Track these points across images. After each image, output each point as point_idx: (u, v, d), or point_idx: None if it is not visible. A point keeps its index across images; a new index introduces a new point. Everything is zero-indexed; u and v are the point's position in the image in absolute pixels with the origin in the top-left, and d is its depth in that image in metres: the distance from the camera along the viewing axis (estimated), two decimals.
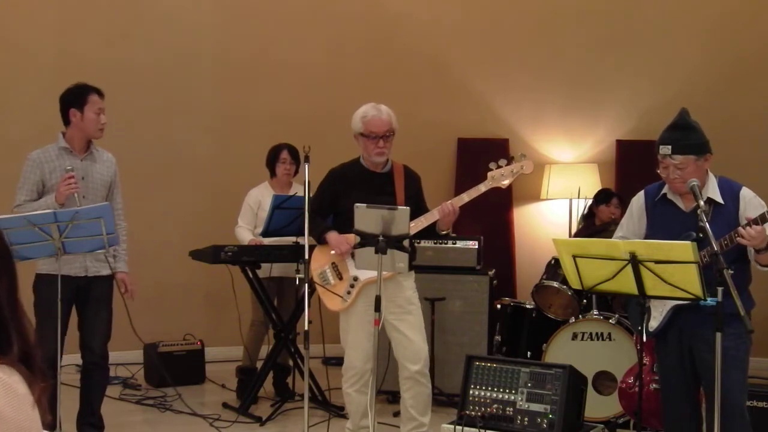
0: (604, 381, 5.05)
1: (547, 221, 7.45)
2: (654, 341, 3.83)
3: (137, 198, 6.54)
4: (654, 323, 3.68)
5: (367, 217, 3.89)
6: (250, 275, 5.51)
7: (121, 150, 6.25)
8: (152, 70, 6.92)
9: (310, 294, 4.29)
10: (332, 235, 4.31)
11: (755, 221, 3.36)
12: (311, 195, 4.29)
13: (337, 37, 7.35)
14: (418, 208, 4.31)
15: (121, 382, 6.20)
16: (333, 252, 4.31)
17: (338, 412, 5.30)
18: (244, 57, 7.19)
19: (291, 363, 5.77)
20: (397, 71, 7.34)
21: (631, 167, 7.02)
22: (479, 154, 6.71)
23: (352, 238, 4.06)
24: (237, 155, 7.02)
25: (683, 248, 3.26)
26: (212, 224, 6.53)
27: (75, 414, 4.62)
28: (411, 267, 4.31)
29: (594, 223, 6.24)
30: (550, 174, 7.26)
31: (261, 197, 5.77)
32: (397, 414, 5.15)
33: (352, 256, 4.17)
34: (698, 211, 3.39)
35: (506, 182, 4.29)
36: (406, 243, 3.92)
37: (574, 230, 6.88)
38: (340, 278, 4.36)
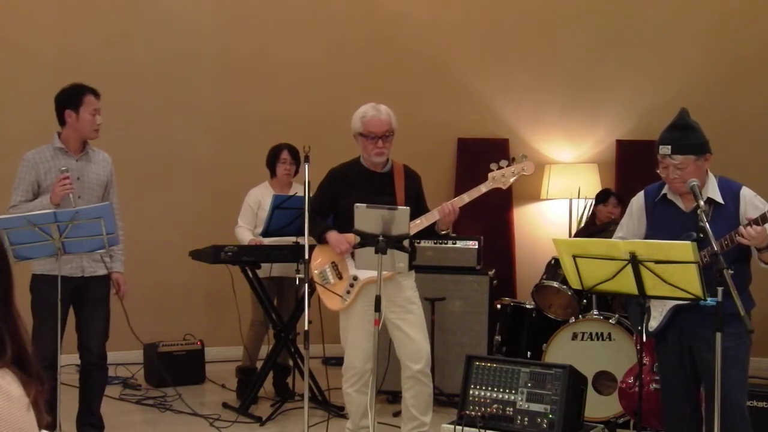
0: (604, 381, 5.05)
1: (547, 221, 7.45)
2: (654, 341, 3.83)
3: (137, 198, 6.55)
4: (654, 323, 3.68)
5: (367, 217, 3.89)
6: (250, 275, 5.51)
7: (121, 150, 6.26)
8: (152, 70, 6.92)
9: (310, 294, 4.29)
10: (332, 235, 4.32)
11: (756, 221, 3.36)
12: (311, 195, 4.29)
13: (337, 37, 7.35)
14: (418, 208, 4.31)
15: (121, 382, 6.20)
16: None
17: (338, 412, 5.30)
18: (244, 57, 7.19)
19: (291, 363, 5.77)
20: (397, 71, 7.34)
21: (631, 167, 7.02)
22: (479, 154, 6.72)
23: (352, 237, 4.07)
24: (237, 155, 7.02)
25: (683, 248, 3.26)
26: (212, 224, 6.53)
27: (75, 414, 4.62)
28: (411, 267, 4.31)
29: (594, 223, 6.25)
30: (550, 174, 7.26)
31: (261, 197, 5.77)
32: (397, 414, 5.15)
33: (352, 255, 4.18)
34: (698, 211, 3.39)
35: (507, 183, 4.29)
36: (406, 243, 3.92)
37: (574, 230, 6.89)
38: (340, 278, 4.36)
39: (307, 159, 4.26)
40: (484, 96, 7.46)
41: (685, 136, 3.56)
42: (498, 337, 5.71)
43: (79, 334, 4.56)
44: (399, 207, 3.97)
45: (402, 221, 3.88)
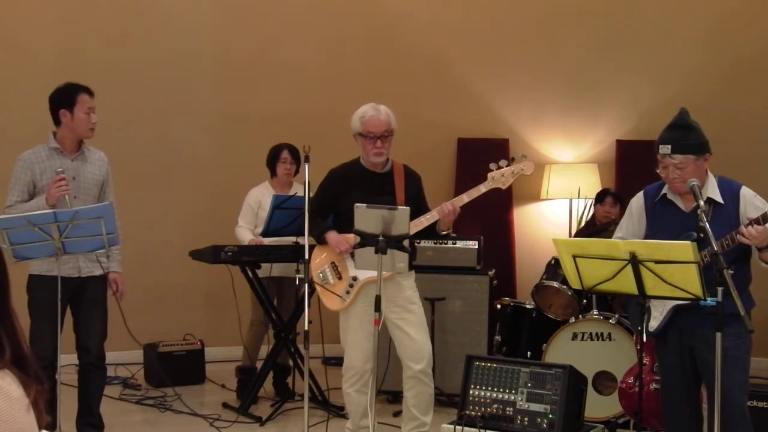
0: (604, 381, 5.05)
1: (547, 221, 7.45)
2: (654, 341, 3.83)
3: (137, 198, 6.55)
4: (654, 323, 3.68)
5: (367, 217, 3.89)
6: (250, 275, 5.51)
7: (121, 150, 6.28)
8: (152, 70, 6.92)
9: (310, 294, 4.29)
10: (332, 235, 4.32)
11: (757, 221, 3.36)
12: (311, 195, 4.29)
13: (337, 37, 7.35)
14: (418, 208, 4.31)
15: (121, 382, 6.20)
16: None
17: (338, 412, 5.30)
18: (244, 57, 7.19)
19: (291, 363, 5.77)
20: (397, 71, 7.34)
21: (631, 167, 7.02)
22: (479, 154, 6.72)
23: (352, 237, 4.06)
24: (237, 155, 7.02)
25: (683, 248, 3.26)
26: (212, 224, 6.53)
27: (74, 414, 4.62)
28: (411, 267, 4.31)
29: (594, 223, 6.25)
30: (550, 174, 7.26)
31: (261, 197, 5.77)
32: (397, 414, 5.15)
33: (352, 255, 4.18)
34: (698, 211, 3.39)
35: (506, 183, 4.29)
36: (406, 243, 3.92)
37: (574, 230, 6.90)
38: (340, 278, 4.36)
39: (307, 159, 4.26)
40: (484, 96, 7.46)
41: (685, 135, 3.55)
42: (498, 337, 5.71)
43: (77, 335, 4.55)
44: (399, 207, 3.97)
45: (402, 221, 3.88)
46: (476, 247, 5.77)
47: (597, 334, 5.10)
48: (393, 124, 4.36)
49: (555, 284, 5.53)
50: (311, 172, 4.24)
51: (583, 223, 6.77)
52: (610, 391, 4.98)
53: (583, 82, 7.39)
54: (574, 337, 5.14)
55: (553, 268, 5.61)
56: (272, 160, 5.85)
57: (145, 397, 5.89)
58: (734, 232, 3.41)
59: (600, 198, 6.28)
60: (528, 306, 5.73)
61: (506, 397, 3.97)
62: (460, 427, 3.89)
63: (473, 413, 3.96)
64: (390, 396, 5.66)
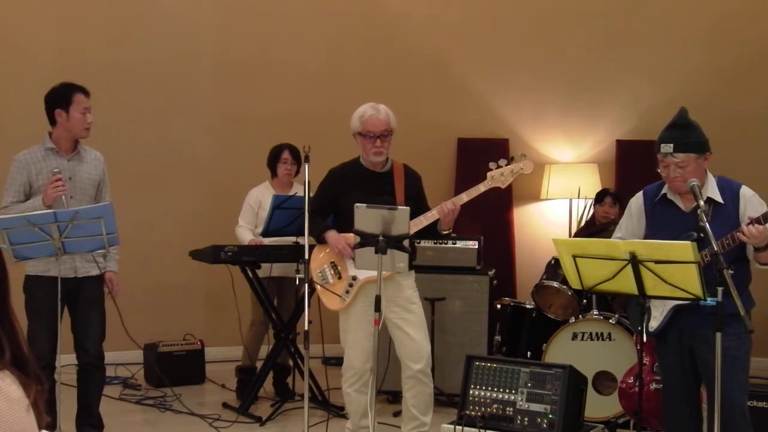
0: (604, 381, 5.05)
1: (547, 221, 7.45)
2: (654, 341, 3.83)
3: (137, 198, 6.56)
4: (654, 323, 3.68)
5: (367, 217, 3.89)
6: (250, 275, 5.51)
7: (121, 150, 6.29)
8: (152, 70, 6.92)
9: (310, 294, 4.29)
10: (331, 235, 4.32)
11: (757, 220, 3.36)
12: (311, 195, 4.29)
13: (337, 37, 7.35)
14: (418, 208, 4.31)
15: (121, 382, 6.20)
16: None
17: (338, 412, 5.30)
18: (244, 57, 7.19)
19: (291, 363, 5.77)
20: (397, 71, 7.34)
21: (631, 167, 7.02)
22: (479, 154, 6.71)
23: (352, 237, 4.06)
24: (237, 155, 7.02)
25: (683, 248, 3.26)
26: (212, 224, 6.53)
27: (74, 414, 4.62)
28: (411, 267, 4.31)
29: (594, 223, 6.25)
30: (550, 174, 7.26)
31: (262, 197, 5.77)
32: (396, 414, 5.15)
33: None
34: (698, 211, 3.39)
35: (506, 182, 4.29)
36: (406, 243, 3.92)
37: (574, 230, 6.90)
38: (339, 278, 4.36)
39: (307, 159, 4.25)
40: (484, 96, 7.46)
41: (686, 134, 3.56)
42: (498, 337, 5.71)
43: (75, 336, 4.53)
44: (399, 207, 3.97)
45: (402, 221, 3.87)
46: (476, 247, 5.77)
47: (597, 334, 5.09)
48: (392, 123, 4.35)
49: (555, 284, 5.53)
50: (311, 172, 4.24)
51: (582, 223, 6.77)
52: (610, 391, 4.98)
53: (583, 82, 7.39)
54: (574, 337, 5.14)
55: (553, 268, 5.61)
56: (273, 160, 5.84)
57: (145, 397, 5.89)
58: (735, 231, 3.41)
59: (599, 198, 6.28)
60: (528, 306, 5.73)
61: (506, 397, 3.97)
62: (460, 427, 3.88)
63: (473, 413, 3.96)
64: (390, 396, 5.66)
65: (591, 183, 7.05)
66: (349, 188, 4.31)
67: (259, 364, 5.81)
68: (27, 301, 4.36)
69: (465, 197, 4.26)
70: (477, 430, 3.87)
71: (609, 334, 5.06)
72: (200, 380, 6.38)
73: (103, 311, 4.57)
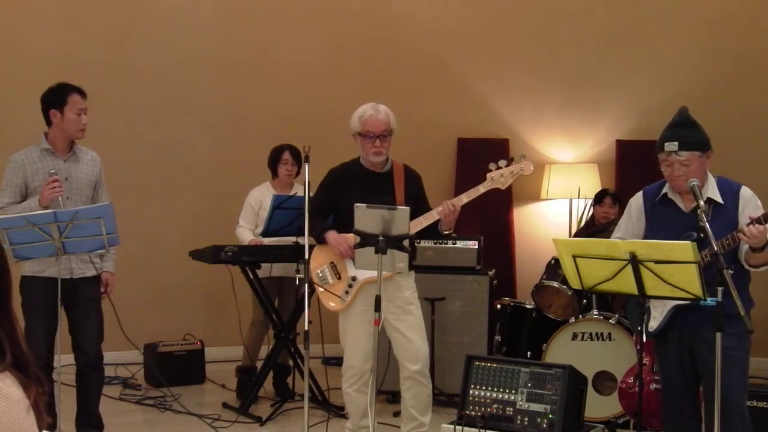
0: (604, 381, 5.05)
1: (547, 221, 7.45)
2: (654, 341, 3.83)
3: (137, 198, 6.56)
4: (654, 323, 3.68)
5: (367, 217, 3.89)
6: (250, 275, 5.51)
7: (121, 150, 6.29)
8: (152, 71, 6.92)
9: (310, 294, 4.29)
10: (331, 235, 4.32)
11: (758, 220, 3.36)
12: (311, 195, 4.29)
13: (337, 37, 7.35)
14: (419, 208, 4.30)
15: (121, 382, 6.20)
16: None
17: (338, 412, 5.30)
18: (244, 57, 7.20)
19: (291, 363, 5.77)
20: (397, 71, 7.34)
21: (631, 167, 7.02)
22: (479, 154, 6.72)
23: (352, 237, 4.06)
24: (237, 155, 7.02)
25: (683, 248, 3.26)
26: (212, 224, 6.53)
27: (74, 414, 4.61)
28: (411, 267, 4.31)
29: (594, 224, 6.25)
30: (550, 174, 7.26)
31: (262, 197, 5.77)
32: (397, 414, 5.15)
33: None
34: (698, 211, 3.39)
35: (506, 183, 4.29)
36: (406, 243, 3.92)
37: (574, 230, 6.90)
38: (339, 278, 4.36)
39: (307, 159, 4.25)
40: (484, 96, 7.46)
41: (690, 132, 3.56)
42: (498, 337, 5.71)
43: (73, 337, 4.51)
44: (399, 207, 3.97)
45: (402, 221, 3.87)
46: (476, 247, 5.77)
47: (597, 334, 5.10)
48: (392, 123, 4.35)
49: (555, 284, 5.53)
50: (311, 172, 4.24)
51: (582, 223, 6.77)
52: (610, 391, 4.98)
53: (583, 82, 7.39)
54: (574, 337, 5.14)
55: (553, 268, 5.60)
56: (274, 160, 5.85)
57: (144, 397, 5.89)
58: (735, 231, 3.41)
59: (599, 198, 6.28)
60: (528, 306, 5.73)
61: (506, 397, 3.97)
62: (460, 427, 3.88)
63: (473, 413, 3.96)
64: (390, 396, 5.66)
65: (591, 183, 7.05)
66: (349, 188, 4.31)
67: (259, 364, 5.81)
68: (23, 301, 4.35)
69: (465, 198, 4.25)
70: (477, 430, 3.87)
71: (609, 334, 5.06)
72: (200, 380, 6.38)
73: (100, 312, 4.56)
